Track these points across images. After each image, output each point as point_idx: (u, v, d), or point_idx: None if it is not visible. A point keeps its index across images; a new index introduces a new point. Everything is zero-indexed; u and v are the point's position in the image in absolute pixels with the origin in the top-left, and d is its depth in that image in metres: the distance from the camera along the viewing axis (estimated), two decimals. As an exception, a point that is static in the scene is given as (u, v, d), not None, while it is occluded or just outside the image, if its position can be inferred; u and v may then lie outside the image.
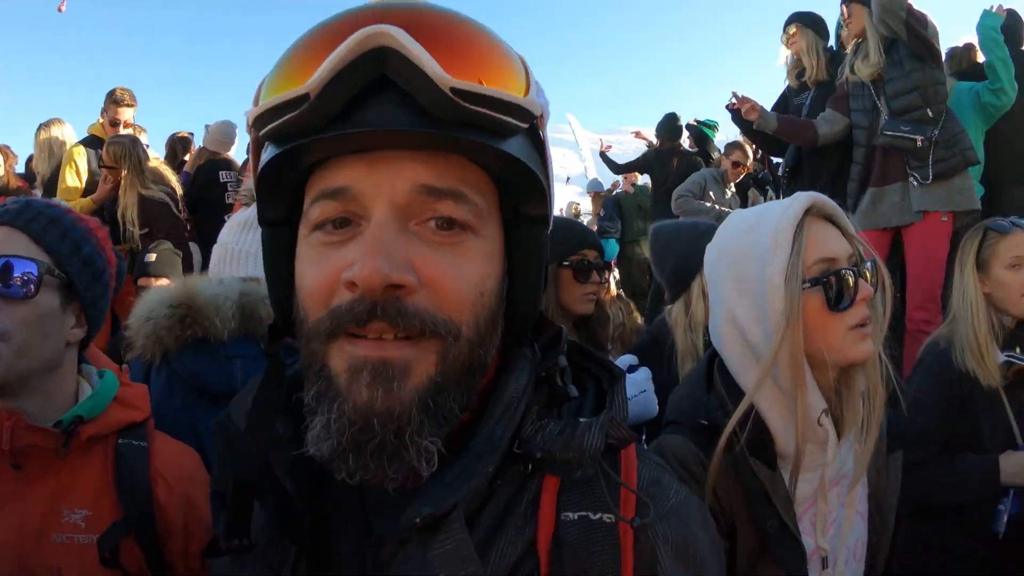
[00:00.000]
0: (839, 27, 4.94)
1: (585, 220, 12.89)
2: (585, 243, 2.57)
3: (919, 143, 3.94)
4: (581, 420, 0.78)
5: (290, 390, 0.84)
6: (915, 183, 3.99)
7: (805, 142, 4.63)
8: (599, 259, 2.59)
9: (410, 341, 0.70)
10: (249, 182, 2.24)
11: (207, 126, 6.47)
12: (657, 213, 6.67)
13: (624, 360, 2.37)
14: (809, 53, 4.88)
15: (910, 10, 3.97)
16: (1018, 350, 2.44)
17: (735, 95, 4.84)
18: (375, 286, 0.67)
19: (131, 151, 5.25)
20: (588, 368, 0.91)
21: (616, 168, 9.89)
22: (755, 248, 1.45)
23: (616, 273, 4.26)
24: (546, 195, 0.80)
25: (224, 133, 6.33)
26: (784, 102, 5.37)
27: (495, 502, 0.77)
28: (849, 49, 4.43)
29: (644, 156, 8.56)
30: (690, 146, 8.05)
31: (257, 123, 0.73)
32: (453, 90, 0.66)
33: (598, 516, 0.78)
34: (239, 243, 2.14)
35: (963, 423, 2.36)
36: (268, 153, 0.73)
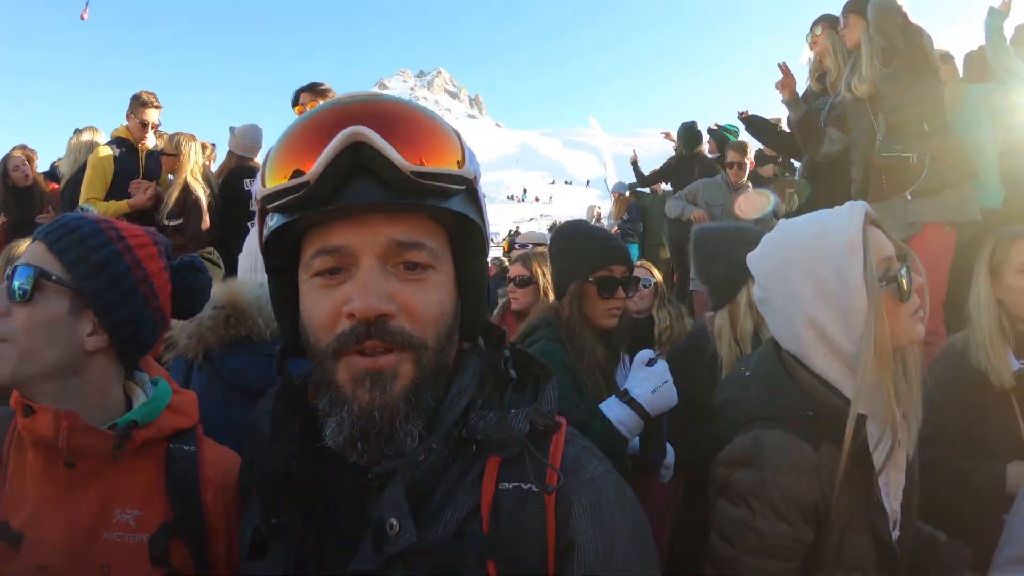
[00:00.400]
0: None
1: (605, 223, 12.87)
2: (612, 259, 2.64)
3: (913, 160, 3.96)
4: (512, 411, 1.06)
5: (300, 398, 1.15)
6: (909, 196, 3.99)
7: (806, 148, 4.67)
8: (627, 274, 2.65)
9: (394, 353, 0.99)
10: None
11: (232, 128, 6.47)
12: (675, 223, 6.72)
13: (644, 355, 2.40)
14: (835, 55, 4.82)
15: (907, 19, 3.96)
16: None
17: (781, 66, 4.76)
18: (369, 315, 0.96)
19: (194, 143, 5.65)
20: (531, 370, 1.18)
21: (643, 180, 9.91)
22: (828, 252, 1.65)
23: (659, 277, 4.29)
24: (483, 234, 1.12)
25: (252, 139, 6.34)
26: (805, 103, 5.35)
27: (450, 475, 1.05)
28: (848, 67, 4.41)
29: (668, 164, 8.61)
30: (711, 151, 8.06)
31: (265, 200, 1.01)
32: (412, 172, 0.96)
33: (528, 486, 1.03)
34: None
35: (974, 427, 2.36)
36: (275, 221, 1.02)
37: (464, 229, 1.10)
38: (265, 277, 1.18)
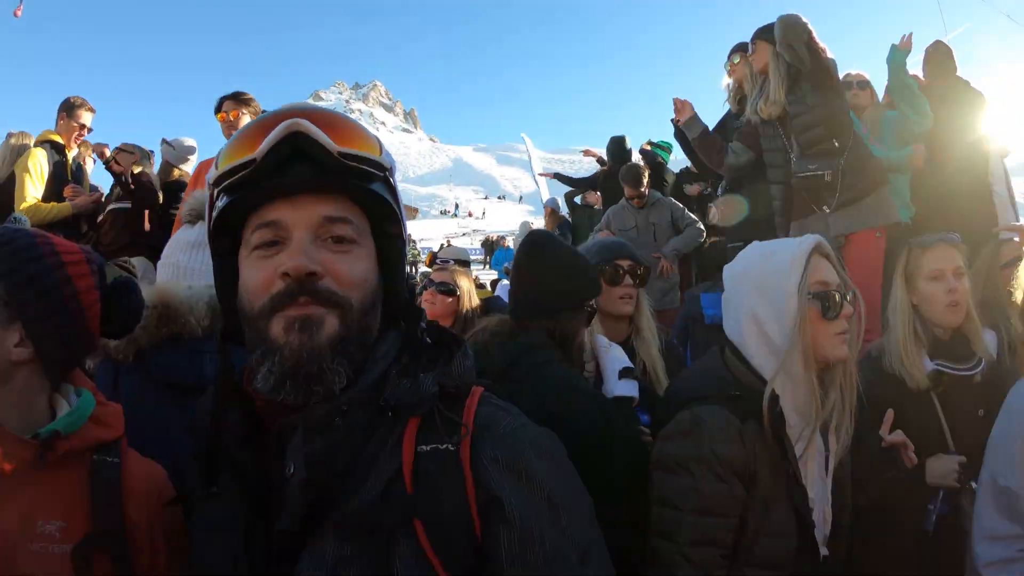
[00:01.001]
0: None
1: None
2: (617, 255, 2.97)
3: (827, 177, 4.16)
4: (421, 375, 1.17)
5: (239, 385, 1.23)
6: (827, 210, 4.21)
7: (711, 162, 4.93)
8: (634, 266, 2.93)
9: (323, 307, 1.10)
10: (191, 202, 2.48)
11: (165, 140, 6.57)
12: None
13: (619, 361, 2.51)
14: (752, 80, 4.98)
15: (812, 37, 4.17)
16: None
17: (676, 100, 5.09)
18: (300, 272, 1.08)
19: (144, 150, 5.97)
20: (445, 342, 1.28)
21: (570, 182, 10.11)
22: (775, 266, 1.99)
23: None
24: (400, 220, 1.26)
25: (187, 148, 6.54)
26: (722, 125, 5.58)
27: (373, 441, 1.13)
28: (756, 90, 4.63)
29: (596, 176, 8.77)
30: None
31: (216, 181, 1.17)
32: (340, 153, 1.12)
33: (444, 446, 1.12)
34: (191, 262, 2.29)
35: (894, 427, 2.46)
36: (223, 201, 1.17)
37: (383, 214, 1.24)
38: (189, 283, 1.23)
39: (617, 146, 8.30)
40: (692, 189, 7.60)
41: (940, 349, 2.67)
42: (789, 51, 4.22)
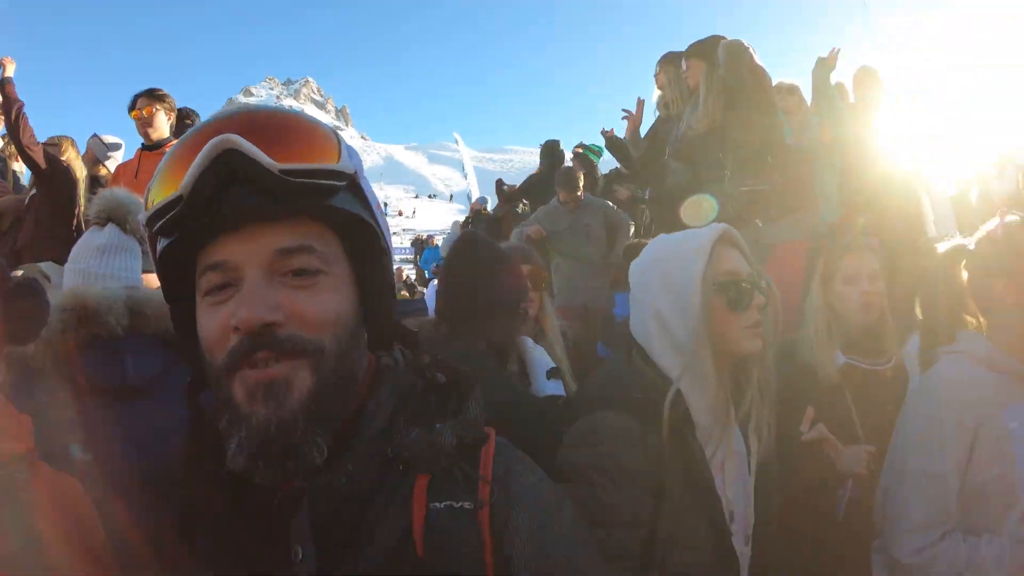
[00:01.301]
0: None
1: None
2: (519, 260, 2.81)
3: (765, 191, 4.30)
4: (437, 426, 1.03)
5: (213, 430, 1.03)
6: (760, 224, 4.33)
7: (650, 183, 4.97)
8: (535, 271, 2.88)
9: (286, 362, 0.93)
10: (100, 202, 2.29)
11: (96, 135, 6.27)
12: None
13: (545, 362, 2.52)
14: (671, 88, 5.25)
15: (752, 59, 4.29)
16: None
17: (639, 101, 5.12)
18: (253, 326, 0.91)
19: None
20: (453, 379, 1.15)
21: (505, 196, 10.05)
22: (680, 257, 1.87)
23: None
24: (379, 233, 1.06)
25: (109, 146, 6.19)
26: (654, 130, 5.72)
27: (380, 496, 1.00)
28: (690, 106, 4.73)
29: (528, 181, 8.79)
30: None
31: (149, 223, 0.98)
32: (281, 171, 0.91)
33: (460, 504, 1.01)
34: (102, 267, 2.14)
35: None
36: (162, 243, 0.98)
37: (356, 229, 1.04)
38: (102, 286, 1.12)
39: (550, 149, 8.42)
40: (622, 192, 7.71)
41: (853, 345, 2.78)
42: (731, 75, 4.34)
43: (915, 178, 5.37)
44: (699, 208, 4.81)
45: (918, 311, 2.42)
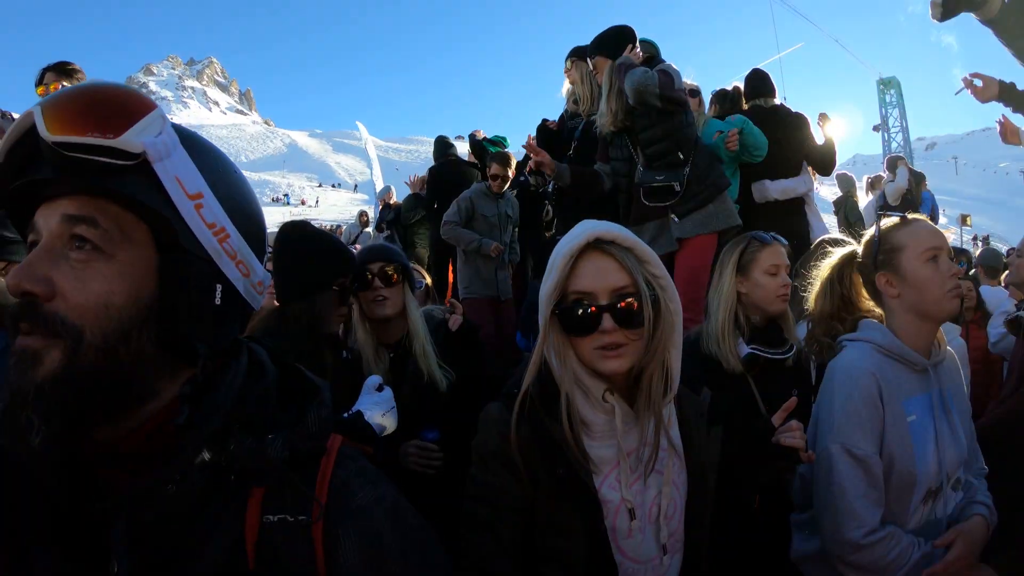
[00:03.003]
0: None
1: (371, 228, 12.71)
2: (367, 259, 2.95)
3: (676, 188, 4.30)
4: (269, 436, 0.99)
5: None
6: (675, 219, 4.33)
7: (595, 194, 4.79)
8: (384, 268, 2.88)
9: (43, 337, 0.89)
10: None
11: (9, 114, 5.71)
12: (437, 224, 6.84)
13: (373, 380, 2.50)
14: (582, 84, 5.22)
15: (663, 80, 4.23)
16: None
17: (531, 148, 4.65)
18: (15, 293, 0.90)
19: None
20: (297, 386, 1.13)
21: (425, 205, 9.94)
22: (551, 267, 1.74)
23: (429, 280, 4.36)
24: (176, 225, 0.98)
25: (10, 123, 5.62)
26: (561, 122, 5.68)
27: (211, 507, 0.97)
28: (603, 101, 4.65)
29: (432, 176, 8.75)
30: (470, 158, 8.23)
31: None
32: (54, 143, 0.89)
33: (294, 518, 1.00)
34: None
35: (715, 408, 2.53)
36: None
37: (157, 220, 0.98)
38: None
39: (439, 144, 8.45)
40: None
41: (755, 335, 2.85)
42: (641, 106, 4.32)
43: (805, 181, 5.60)
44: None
45: (811, 303, 2.54)
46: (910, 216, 2.28)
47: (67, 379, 0.89)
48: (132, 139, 0.92)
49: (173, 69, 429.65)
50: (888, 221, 2.28)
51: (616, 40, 4.55)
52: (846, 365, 2.23)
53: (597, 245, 1.70)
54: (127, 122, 0.93)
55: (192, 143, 1.03)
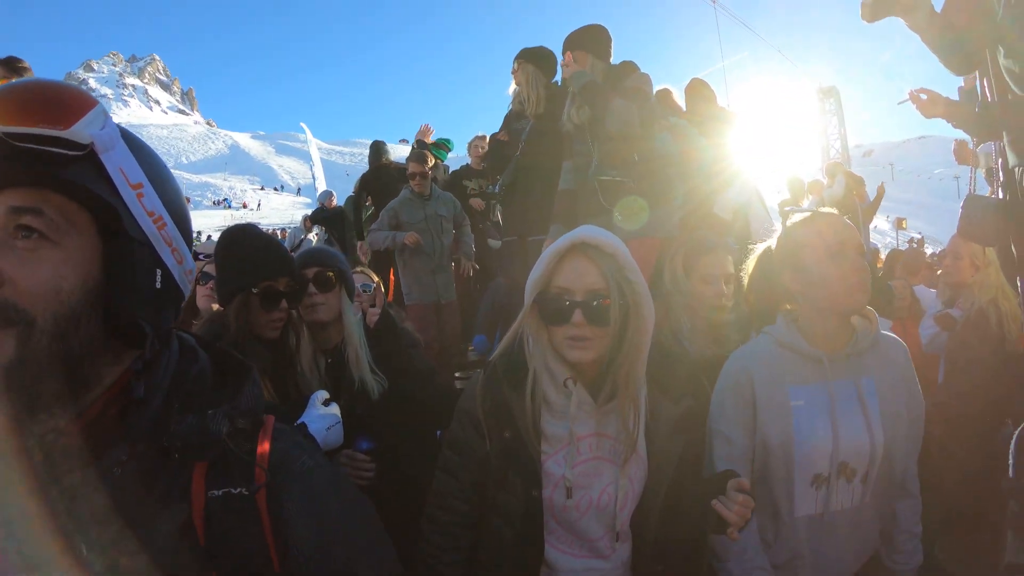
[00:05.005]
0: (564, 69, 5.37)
1: (314, 232, 12.57)
2: (303, 264, 2.89)
3: (626, 184, 4.34)
4: (209, 412, 1.04)
5: None
6: (618, 217, 4.35)
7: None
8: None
9: None
10: None
11: None
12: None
13: (320, 394, 2.50)
14: (528, 86, 5.19)
15: (640, 104, 4.30)
16: None
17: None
18: None
19: None
20: (229, 366, 1.19)
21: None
22: (540, 260, 1.94)
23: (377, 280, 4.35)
24: (121, 213, 1.02)
25: None
26: (506, 123, 5.72)
27: (158, 487, 1.00)
28: (569, 98, 4.68)
29: (363, 179, 8.73)
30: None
31: None
32: (5, 133, 0.93)
33: (238, 490, 1.05)
34: None
35: None
36: None
37: (103, 208, 1.02)
38: None
39: (374, 149, 8.54)
40: (476, 203, 7.66)
41: (696, 337, 2.90)
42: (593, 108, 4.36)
43: (744, 189, 5.72)
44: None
45: (746, 301, 2.61)
46: (817, 211, 2.32)
47: (21, 364, 0.92)
48: (81, 130, 0.98)
49: (114, 66, 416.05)
50: (795, 218, 2.33)
51: (595, 38, 4.58)
52: (732, 357, 2.37)
53: (583, 248, 1.89)
54: (76, 115, 0.98)
55: (128, 138, 1.09)
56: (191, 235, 1.21)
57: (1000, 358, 3.62)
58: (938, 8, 3.09)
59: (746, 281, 2.55)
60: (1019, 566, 2.21)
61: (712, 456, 2.26)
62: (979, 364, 3.68)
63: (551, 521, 1.94)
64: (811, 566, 2.21)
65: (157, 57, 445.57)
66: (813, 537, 2.20)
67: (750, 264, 2.53)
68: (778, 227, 2.41)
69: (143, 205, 1.07)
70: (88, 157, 1.00)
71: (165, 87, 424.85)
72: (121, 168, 1.05)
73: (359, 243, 7.49)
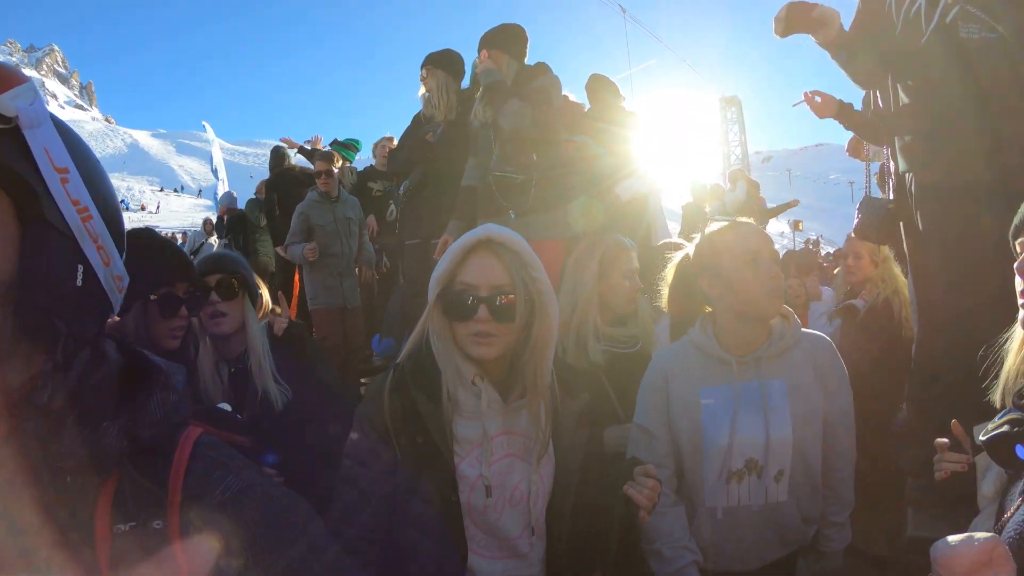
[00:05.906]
0: (474, 68, 5.23)
1: (215, 235, 12.15)
2: (204, 271, 2.71)
3: (519, 180, 4.36)
4: (104, 424, 0.88)
5: None
6: (512, 216, 4.35)
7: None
8: (226, 279, 2.64)
9: None
10: None
11: None
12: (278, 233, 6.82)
13: (222, 408, 2.41)
14: (439, 92, 5.12)
15: (541, 106, 4.33)
16: None
17: None
18: None
19: None
20: (145, 371, 1.01)
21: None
22: (445, 256, 1.92)
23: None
24: (38, 191, 0.90)
25: None
26: (416, 126, 5.65)
27: (58, 517, 0.84)
28: (478, 95, 4.68)
29: (269, 182, 8.65)
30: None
31: None
32: None
33: (149, 524, 0.89)
34: None
35: None
36: None
37: (21, 189, 0.89)
38: None
39: (274, 154, 8.58)
40: (375, 189, 7.69)
41: (604, 334, 2.99)
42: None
43: (645, 181, 5.83)
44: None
45: (664, 305, 2.68)
46: (735, 220, 2.43)
47: None
48: (7, 102, 0.87)
49: (11, 55, 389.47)
50: (713, 226, 2.43)
51: (513, 37, 4.61)
52: (654, 356, 2.52)
53: (488, 244, 1.89)
54: (2, 86, 0.88)
55: (57, 122, 0.97)
56: (123, 241, 1.09)
57: (898, 342, 3.92)
58: (846, 26, 3.26)
59: (665, 289, 2.64)
60: (920, 539, 2.35)
61: (636, 450, 2.33)
62: (878, 347, 3.98)
63: (471, 526, 1.91)
64: (720, 554, 2.33)
65: (56, 47, 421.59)
66: (723, 528, 2.30)
67: (669, 272, 2.62)
68: (674, 228, 2.50)
69: (68, 192, 0.95)
70: (12, 133, 0.89)
71: (63, 80, 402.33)
72: (46, 148, 0.93)
73: (277, 248, 7.35)
